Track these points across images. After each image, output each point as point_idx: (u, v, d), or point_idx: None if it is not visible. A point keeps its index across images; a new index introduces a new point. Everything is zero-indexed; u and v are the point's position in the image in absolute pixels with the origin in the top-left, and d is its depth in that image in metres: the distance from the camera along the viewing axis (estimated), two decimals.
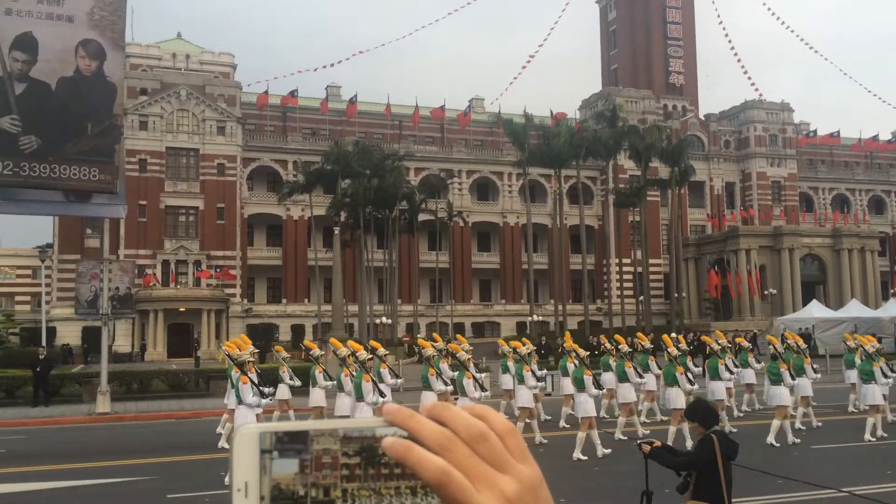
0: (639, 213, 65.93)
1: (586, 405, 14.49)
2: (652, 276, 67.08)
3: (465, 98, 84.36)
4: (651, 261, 67.05)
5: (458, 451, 0.65)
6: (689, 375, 16.67)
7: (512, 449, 0.68)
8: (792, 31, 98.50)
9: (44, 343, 35.17)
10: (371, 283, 61.56)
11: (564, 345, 17.20)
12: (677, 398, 15.49)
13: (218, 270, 62.07)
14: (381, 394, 13.97)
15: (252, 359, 13.74)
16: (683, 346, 18.48)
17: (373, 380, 14.21)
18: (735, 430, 15.75)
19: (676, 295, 65.31)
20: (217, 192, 63.91)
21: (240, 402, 12.94)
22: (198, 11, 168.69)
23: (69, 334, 57.08)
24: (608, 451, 14.23)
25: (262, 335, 62.24)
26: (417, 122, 74.66)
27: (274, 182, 69.08)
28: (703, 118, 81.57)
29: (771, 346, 17.41)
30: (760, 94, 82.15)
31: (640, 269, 65.99)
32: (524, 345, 17.84)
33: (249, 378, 12.92)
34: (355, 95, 73.08)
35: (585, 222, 67.34)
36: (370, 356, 15.24)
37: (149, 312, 58.05)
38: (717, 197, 79.35)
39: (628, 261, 70.60)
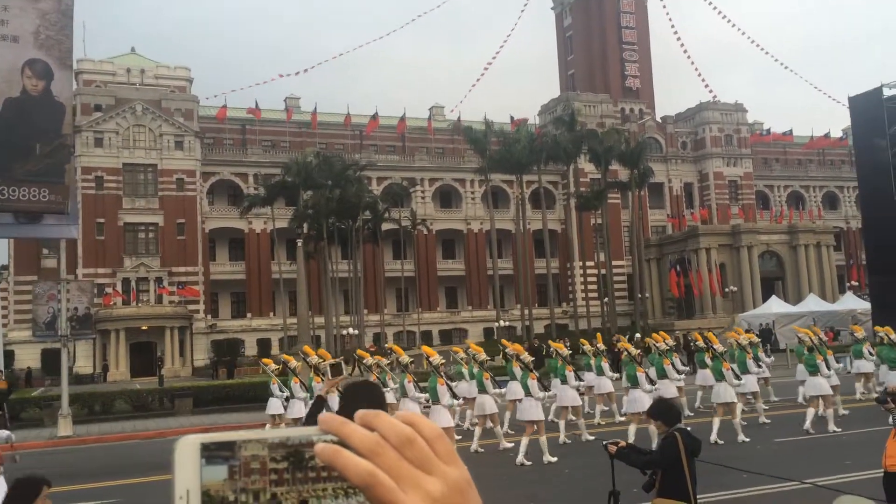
0: (601, 216, 66.65)
1: (532, 409, 14.61)
2: (616, 278, 67.81)
3: (426, 107, 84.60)
4: (614, 262, 67.78)
5: (386, 455, 0.68)
6: (649, 375, 16.98)
7: (439, 452, 0.71)
8: (743, 34, 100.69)
9: (2, 367, 34.29)
10: (336, 294, 61.22)
11: (506, 350, 17.41)
12: (640, 399, 15.71)
13: (180, 287, 61.19)
14: (455, 396, 14.87)
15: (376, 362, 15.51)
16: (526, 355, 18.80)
17: (447, 383, 14.85)
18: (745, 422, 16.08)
19: (640, 295, 66.10)
20: (177, 208, 63.06)
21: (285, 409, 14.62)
22: (152, 26, 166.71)
23: (28, 357, 55.75)
24: (553, 458, 14.31)
25: (228, 351, 61.55)
26: (376, 128, 74.58)
27: (235, 196, 68.42)
28: (660, 120, 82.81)
29: (709, 346, 17.85)
30: (715, 96, 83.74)
31: (603, 271, 66.67)
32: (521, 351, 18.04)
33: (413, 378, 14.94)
34: (315, 106, 72.84)
35: (548, 226, 67.85)
36: (442, 361, 15.71)
37: (110, 332, 56.99)
38: (676, 197, 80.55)
39: (592, 263, 71.27)
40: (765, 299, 60.36)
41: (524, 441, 14.30)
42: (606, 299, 64.98)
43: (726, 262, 67.45)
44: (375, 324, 64.84)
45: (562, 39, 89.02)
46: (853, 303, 52.89)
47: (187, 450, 0.66)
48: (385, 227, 63.90)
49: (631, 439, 13.39)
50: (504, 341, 18.92)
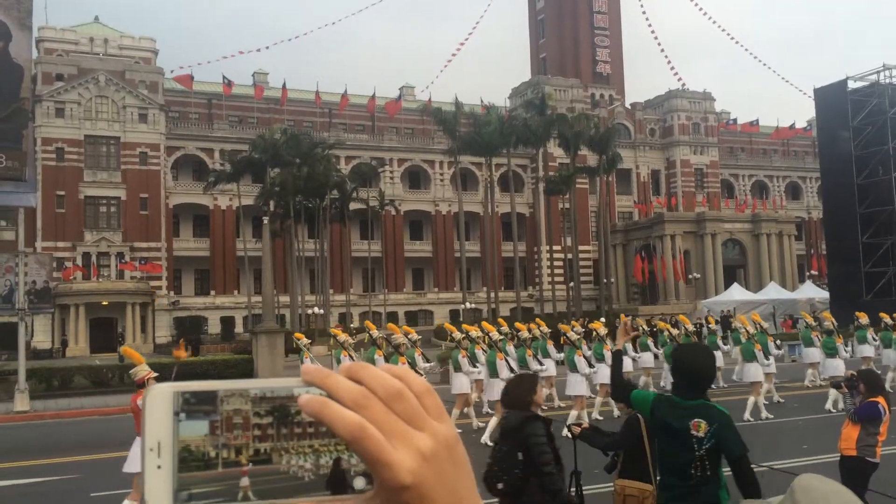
0: (568, 201, 66.98)
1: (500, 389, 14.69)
2: (582, 263, 68.31)
3: (396, 86, 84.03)
4: (581, 247, 68.26)
5: (375, 409, 0.65)
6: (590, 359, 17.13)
7: (429, 408, 0.68)
8: (714, 23, 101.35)
9: None
10: (302, 274, 60.82)
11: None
12: (579, 384, 15.87)
13: (142, 263, 60.25)
14: (512, 370, 15.29)
15: (407, 342, 15.57)
16: (579, 329, 19.05)
17: (506, 358, 15.35)
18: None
19: (605, 280, 66.72)
20: (140, 182, 61.93)
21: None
22: None
23: None
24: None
25: (191, 328, 60.88)
26: (345, 106, 73.91)
27: (200, 171, 67.40)
28: (629, 107, 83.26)
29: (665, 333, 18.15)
30: (683, 84, 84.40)
31: (570, 256, 67.11)
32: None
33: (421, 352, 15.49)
34: (284, 82, 71.85)
35: (516, 210, 68.00)
36: (454, 340, 16.52)
37: (69, 307, 55.97)
38: (643, 184, 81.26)
39: (559, 247, 71.70)
40: (727, 286, 61.35)
41: (492, 422, 14.36)
42: (572, 283, 65.48)
43: (690, 250, 68.36)
44: (341, 304, 64.61)
45: (534, 23, 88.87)
46: (812, 291, 54.00)
47: (159, 399, 0.64)
48: (353, 206, 63.50)
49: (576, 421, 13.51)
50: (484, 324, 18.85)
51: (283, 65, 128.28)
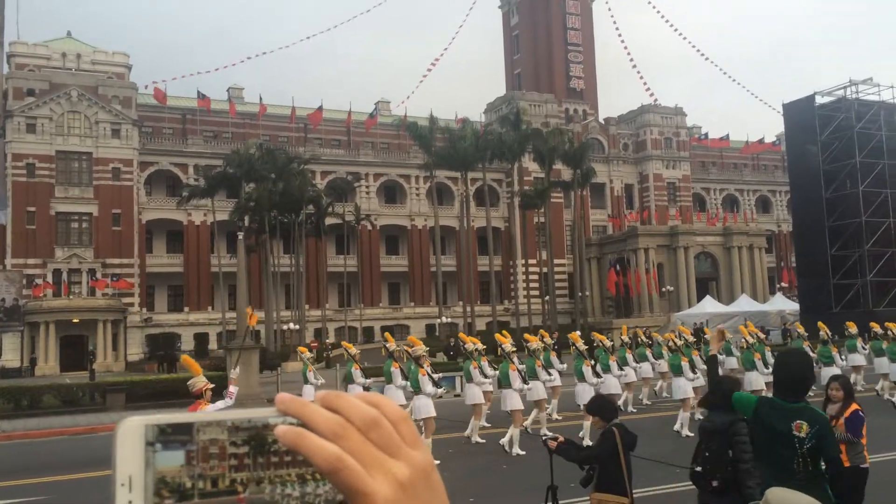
0: (543, 215, 67.39)
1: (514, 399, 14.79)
2: (557, 276, 68.65)
3: (372, 101, 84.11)
4: (556, 261, 68.63)
5: (352, 438, 0.65)
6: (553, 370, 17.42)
7: (404, 435, 0.68)
8: (685, 39, 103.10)
9: None
10: (277, 289, 60.44)
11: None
12: (587, 394, 16.03)
13: (114, 279, 59.52)
14: (525, 381, 15.68)
15: (425, 353, 15.56)
16: (548, 340, 19.27)
17: (518, 369, 15.51)
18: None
19: (580, 294, 67.08)
20: (112, 198, 61.28)
21: (416, 391, 14.52)
22: (90, 10, 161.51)
23: None
24: (523, 452, 14.41)
25: (164, 345, 60.15)
26: (321, 121, 73.89)
27: (174, 187, 66.87)
28: (602, 122, 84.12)
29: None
30: (656, 99, 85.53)
31: (545, 270, 67.43)
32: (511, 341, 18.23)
33: (426, 371, 14.77)
34: (261, 97, 71.69)
35: (492, 224, 68.26)
36: (514, 348, 16.40)
37: (39, 325, 55.09)
38: (617, 198, 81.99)
39: (534, 261, 72.03)
40: (699, 299, 62.01)
41: (511, 431, 14.45)
42: (547, 297, 65.76)
43: (664, 263, 69.01)
44: (317, 319, 64.26)
45: (508, 38, 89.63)
46: (783, 303, 54.74)
47: (130, 432, 0.61)
48: (328, 221, 63.35)
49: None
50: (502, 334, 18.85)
51: (258, 81, 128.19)
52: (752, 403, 4.97)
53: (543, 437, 6.81)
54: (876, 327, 21.31)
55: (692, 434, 16.13)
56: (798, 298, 50.37)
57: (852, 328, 22.41)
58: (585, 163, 66.27)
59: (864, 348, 22.20)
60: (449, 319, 65.01)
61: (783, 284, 73.44)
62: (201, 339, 63.72)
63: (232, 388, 9.55)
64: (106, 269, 60.17)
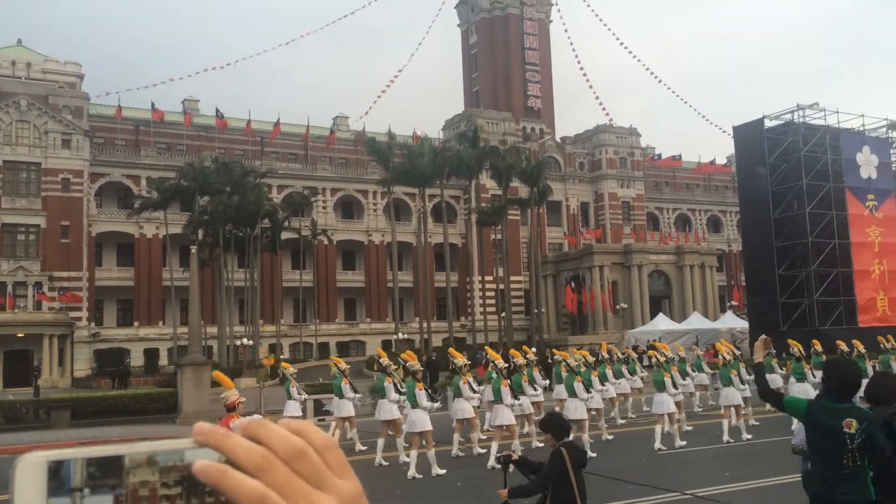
0: (500, 232, 67.78)
1: (424, 420, 14.67)
2: (513, 293, 69.00)
3: (330, 116, 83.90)
4: (512, 278, 69.00)
5: (277, 472, 0.62)
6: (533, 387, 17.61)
7: (332, 464, 0.66)
8: (639, 61, 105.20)
9: None
10: (231, 304, 59.57)
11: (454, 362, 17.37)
12: (578, 408, 16.25)
13: (62, 293, 57.99)
14: (515, 396, 15.85)
15: (421, 368, 15.70)
16: (531, 356, 19.45)
17: (510, 384, 15.76)
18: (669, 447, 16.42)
19: (536, 311, 67.51)
20: (61, 209, 59.81)
21: (414, 405, 14.48)
22: (41, 20, 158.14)
23: None
24: (442, 471, 14.41)
25: (112, 360, 58.76)
26: (278, 135, 73.41)
27: (126, 199, 65.57)
28: (559, 140, 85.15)
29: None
30: (611, 120, 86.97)
31: (501, 286, 67.72)
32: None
33: (424, 385, 14.90)
34: (217, 110, 70.83)
35: (449, 240, 68.39)
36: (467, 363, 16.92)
37: None
38: (573, 216, 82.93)
39: (490, 278, 72.31)
40: (653, 316, 62.93)
41: (413, 454, 14.30)
42: (504, 314, 66.02)
43: (618, 280, 69.90)
44: (271, 335, 63.45)
45: (467, 56, 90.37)
46: (732, 321, 55.87)
47: (30, 472, 0.55)
48: (284, 236, 62.77)
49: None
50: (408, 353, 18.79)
51: (215, 94, 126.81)
52: (803, 406, 5.49)
53: (498, 455, 6.82)
54: (817, 344, 22.03)
55: (684, 443, 16.36)
56: (747, 316, 51.38)
57: (817, 346, 23.04)
58: (542, 181, 66.93)
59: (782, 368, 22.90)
60: (405, 335, 64.79)
61: (733, 303, 74.93)
62: (151, 354, 62.42)
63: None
64: (53, 282, 58.60)
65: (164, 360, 60.57)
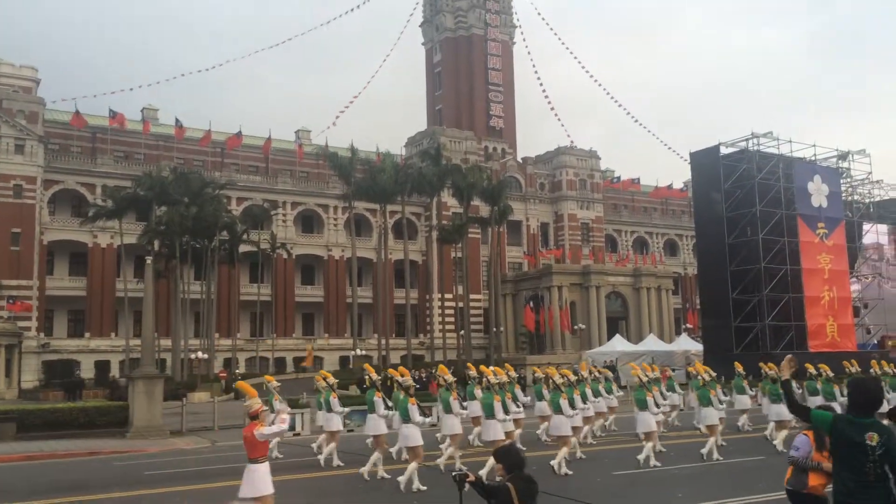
0: (461, 250, 68.01)
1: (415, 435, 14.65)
2: (472, 311, 69.13)
3: (292, 129, 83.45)
4: (472, 296, 69.18)
5: None
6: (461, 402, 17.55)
7: None
8: (600, 86, 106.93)
9: None
10: (187, 316, 58.60)
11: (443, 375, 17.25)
12: (563, 425, 16.42)
13: (10, 302, 56.43)
14: (507, 411, 15.98)
15: (414, 384, 15.56)
16: (513, 374, 19.66)
17: (502, 399, 15.84)
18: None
19: (495, 329, 67.74)
20: (12, 216, 58.36)
21: (406, 420, 14.61)
22: None
23: None
24: (424, 487, 14.37)
25: (62, 372, 57.26)
26: (238, 146, 72.79)
27: (80, 207, 64.26)
28: (520, 161, 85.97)
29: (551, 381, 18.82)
30: (572, 141, 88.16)
31: (461, 304, 67.82)
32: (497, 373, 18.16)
33: (416, 400, 15.00)
34: (177, 119, 69.96)
35: (410, 257, 68.36)
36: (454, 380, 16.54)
37: None
38: (533, 236, 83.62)
39: (450, 296, 72.40)
40: (609, 337, 63.55)
41: (413, 466, 14.24)
42: (462, 332, 66.07)
43: (576, 301, 70.55)
44: (227, 348, 62.56)
45: (431, 75, 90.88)
46: (687, 344, 56.65)
47: None
48: (243, 248, 62.09)
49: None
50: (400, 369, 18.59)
51: (177, 104, 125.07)
52: (828, 419, 5.85)
53: (454, 474, 6.75)
54: (765, 368, 22.61)
55: (658, 464, 16.43)
56: (702, 339, 52.20)
57: (739, 368, 23.83)
58: (503, 200, 67.42)
59: (752, 389, 23.55)
60: (363, 352, 64.40)
61: (688, 325, 76.11)
62: (102, 366, 61.00)
63: (284, 416, 9.53)
64: (2, 290, 57.01)
65: (115, 372, 59.22)
